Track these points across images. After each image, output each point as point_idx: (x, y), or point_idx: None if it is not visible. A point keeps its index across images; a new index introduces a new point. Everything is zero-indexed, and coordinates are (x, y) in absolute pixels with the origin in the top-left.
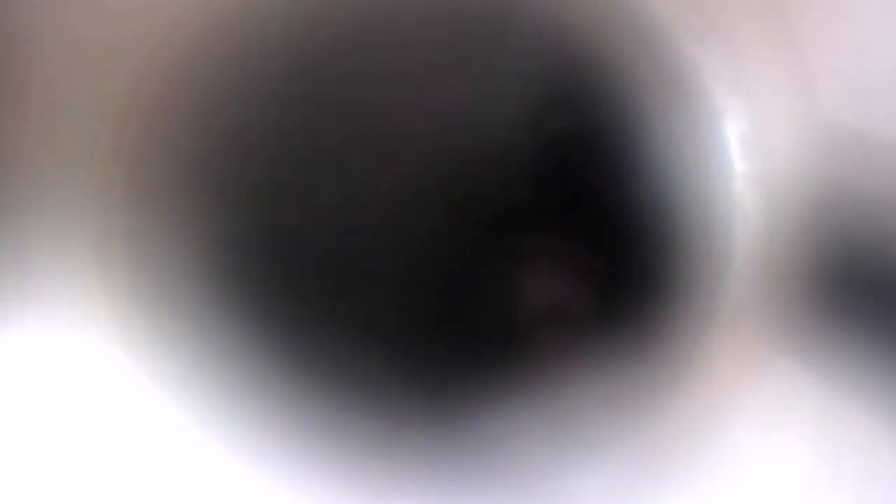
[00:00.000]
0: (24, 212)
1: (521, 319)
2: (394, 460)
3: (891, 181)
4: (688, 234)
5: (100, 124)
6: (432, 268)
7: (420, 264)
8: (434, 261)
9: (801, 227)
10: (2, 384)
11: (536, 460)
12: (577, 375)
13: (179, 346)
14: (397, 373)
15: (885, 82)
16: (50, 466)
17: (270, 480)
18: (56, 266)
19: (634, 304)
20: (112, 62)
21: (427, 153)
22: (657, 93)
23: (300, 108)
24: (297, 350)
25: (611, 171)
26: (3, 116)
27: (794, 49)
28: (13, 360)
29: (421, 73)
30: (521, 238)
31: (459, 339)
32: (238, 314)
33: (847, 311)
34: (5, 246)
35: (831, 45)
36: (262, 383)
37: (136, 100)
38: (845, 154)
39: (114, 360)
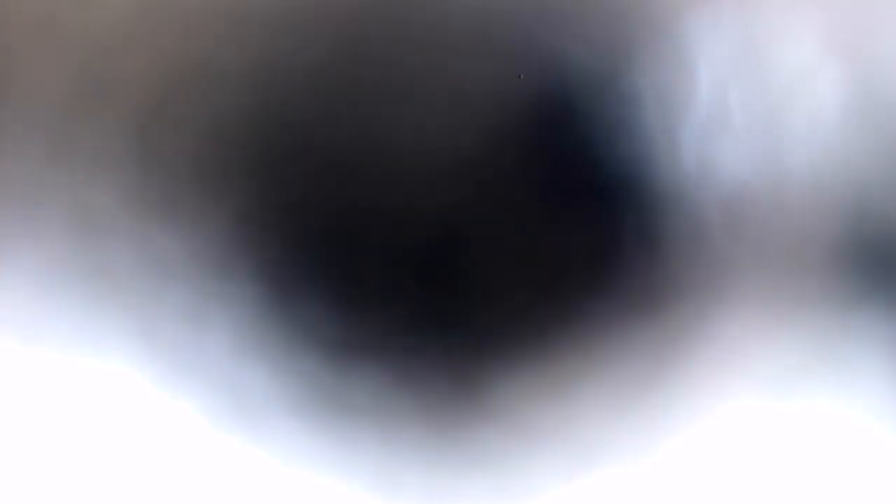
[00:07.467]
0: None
1: (520, 294)
2: (404, 438)
3: None
4: (690, 207)
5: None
6: (433, 247)
7: (422, 243)
8: (435, 240)
9: (809, 199)
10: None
11: (544, 433)
12: (580, 348)
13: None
14: (405, 348)
15: None
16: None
17: (279, 450)
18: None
19: (641, 277)
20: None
21: (425, 140)
22: (656, 61)
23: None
24: (309, 324)
25: (608, 144)
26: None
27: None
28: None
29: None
30: (521, 213)
31: (463, 315)
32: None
33: (863, 283)
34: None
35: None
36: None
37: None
38: (860, 127)
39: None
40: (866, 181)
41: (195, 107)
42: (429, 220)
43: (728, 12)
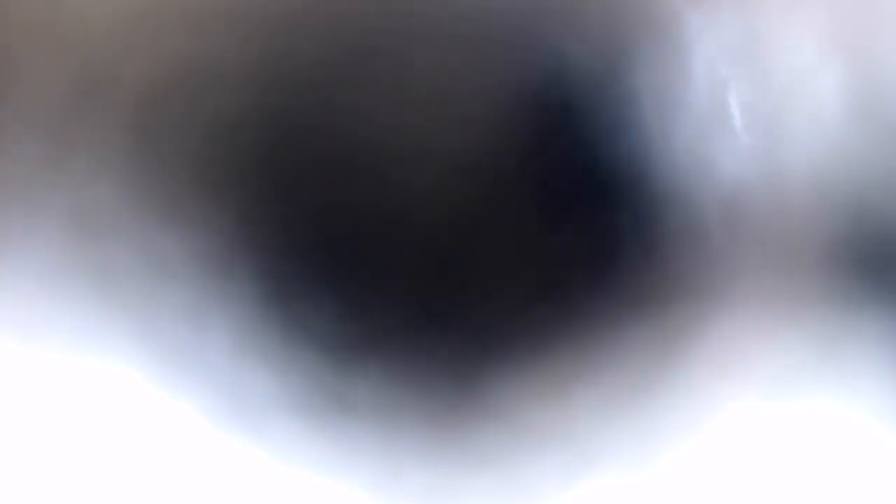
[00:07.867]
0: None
1: (520, 293)
2: (405, 438)
3: None
4: (689, 207)
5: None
6: (433, 246)
7: (423, 243)
8: (435, 239)
9: (809, 199)
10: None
11: (544, 433)
12: (580, 348)
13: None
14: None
15: None
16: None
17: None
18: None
19: (637, 279)
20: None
21: (427, 140)
22: (655, 61)
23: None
24: (308, 324)
25: (608, 143)
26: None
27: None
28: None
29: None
30: (520, 213)
31: (464, 315)
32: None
33: (864, 283)
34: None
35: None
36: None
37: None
38: (860, 127)
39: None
40: (866, 181)
41: (195, 107)
42: (429, 220)
43: (728, 12)
